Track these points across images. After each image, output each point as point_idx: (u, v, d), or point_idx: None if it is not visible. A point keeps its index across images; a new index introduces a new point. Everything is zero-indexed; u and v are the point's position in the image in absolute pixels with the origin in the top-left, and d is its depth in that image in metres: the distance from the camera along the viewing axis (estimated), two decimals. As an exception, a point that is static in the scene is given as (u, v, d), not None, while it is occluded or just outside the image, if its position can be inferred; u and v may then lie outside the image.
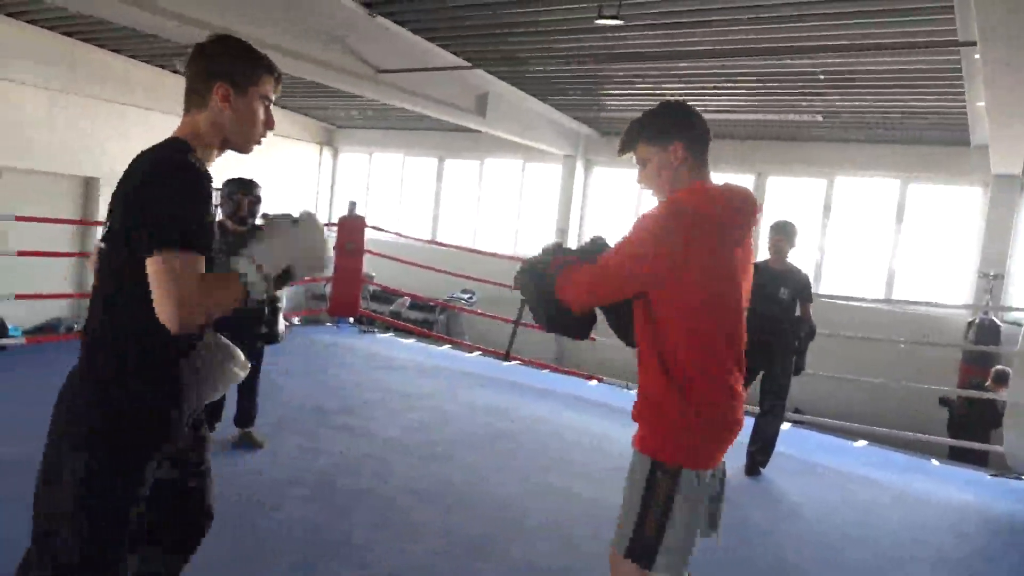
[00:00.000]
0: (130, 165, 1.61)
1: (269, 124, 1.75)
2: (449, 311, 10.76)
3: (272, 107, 1.76)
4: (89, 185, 9.37)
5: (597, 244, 2.11)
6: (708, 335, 1.90)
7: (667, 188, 1.97)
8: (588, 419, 5.72)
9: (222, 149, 1.75)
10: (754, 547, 3.56)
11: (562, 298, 1.99)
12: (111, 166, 9.73)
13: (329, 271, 1.74)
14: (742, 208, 1.93)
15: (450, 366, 7.12)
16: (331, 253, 1.74)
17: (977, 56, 4.89)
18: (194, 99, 1.70)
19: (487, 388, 6.36)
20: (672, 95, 8.08)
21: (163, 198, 1.52)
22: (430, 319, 10.89)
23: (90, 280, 6.92)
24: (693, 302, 1.85)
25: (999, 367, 6.68)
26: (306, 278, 1.76)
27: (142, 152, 1.62)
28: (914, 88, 6.77)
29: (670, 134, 1.95)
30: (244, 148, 1.76)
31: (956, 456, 6.24)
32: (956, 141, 8.06)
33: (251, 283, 1.59)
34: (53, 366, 2.12)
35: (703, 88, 7.66)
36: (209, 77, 1.68)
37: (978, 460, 6.03)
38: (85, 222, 9.10)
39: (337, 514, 3.45)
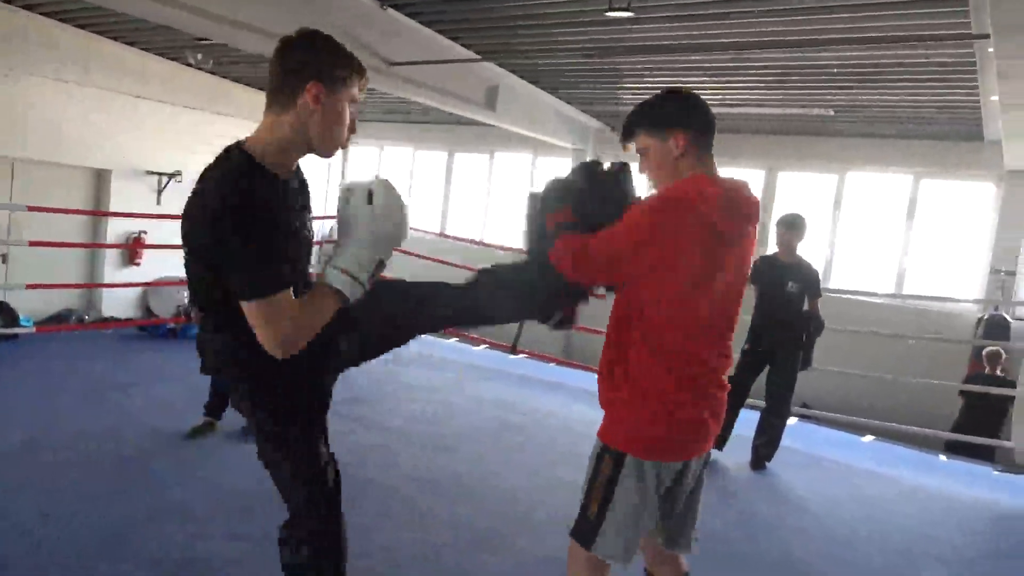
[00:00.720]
0: (199, 183, 1.58)
1: (353, 128, 1.67)
2: (458, 304, 10.76)
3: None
4: (101, 177, 9.42)
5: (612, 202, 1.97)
6: (684, 331, 1.83)
7: (666, 180, 1.91)
8: (596, 413, 5.71)
9: (304, 154, 1.66)
10: (759, 542, 3.56)
11: (553, 261, 1.93)
12: (124, 158, 9.84)
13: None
14: (738, 209, 1.86)
15: (457, 359, 7.14)
16: (409, 222, 1.68)
17: (991, 50, 4.85)
18: (279, 99, 1.58)
19: (494, 381, 6.38)
20: (683, 88, 8.04)
21: (235, 246, 1.50)
22: (439, 312, 10.90)
23: (101, 270, 6.97)
24: (674, 296, 1.81)
25: (989, 348, 6.76)
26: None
27: (208, 169, 1.59)
28: (927, 82, 6.72)
29: (671, 124, 1.88)
30: (328, 153, 1.66)
31: (961, 450, 6.23)
32: (969, 136, 7.99)
33: (347, 295, 1.61)
34: (62, 356, 2.16)
35: (714, 82, 7.63)
36: (299, 76, 1.56)
37: (985, 455, 6.02)
38: (97, 213, 9.17)
39: (345, 503, 3.46)
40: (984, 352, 6.89)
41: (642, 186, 2.05)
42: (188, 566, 2.78)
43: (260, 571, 2.77)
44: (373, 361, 6.88)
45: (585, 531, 1.89)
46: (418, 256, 8.45)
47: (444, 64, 7.54)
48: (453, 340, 8.29)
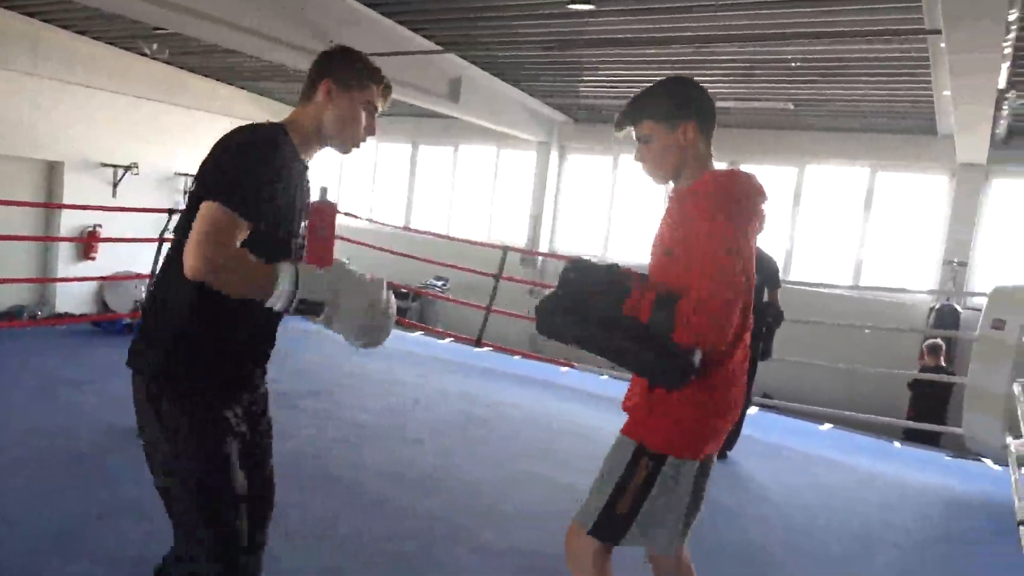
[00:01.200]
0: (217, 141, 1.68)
1: (370, 130, 1.84)
2: (423, 298, 10.73)
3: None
4: (54, 169, 9.17)
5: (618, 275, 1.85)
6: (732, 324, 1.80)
7: (671, 171, 1.87)
8: (561, 405, 5.75)
9: (322, 145, 1.81)
10: (720, 530, 3.61)
11: (682, 341, 1.70)
12: (76, 150, 9.59)
13: (372, 341, 1.70)
14: (764, 201, 1.90)
15: (423, 352, 7.10)
16: (381, 326, 1.68)
17: (943, 45, 4.97)
18: (305, 93, 1.79)
19: (460, 374, 6.37)
20: (644, 82, 8.10)
21: (230, 164, 1.59)
22: (403, 306, 10.85)
23: (54, 264, 6.81)
24: (725, 300, 1.72)
25: (930, 341, 6.98)
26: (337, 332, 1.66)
27: (238, 128, 1.70)
28: (883, 77, 6.86)
29: (682, 114, 1.84)
30: (342, 147, 1.83)
31: (911, 437, 6.42)
32: (924, 130, 8.18)
33: (277, 292, 1.55)
34: (13, 353, 2.09)
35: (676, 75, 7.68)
36: (319, 74, 1.78)
37: (932, 440, 6.21)
38: (50, 205, 8.91)
39: (304, 497, 3.43)
40: (924, 344, 7.10)
41: (614, 183, 2.03)
42: (144, 564, 2.72)
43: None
44: (336, 354, 6.83)
45: (611, 528, 1.86)
46: (382, 250, 8.40)
47: (406, 55, 7.47)
48: (418, 333, 8.25)
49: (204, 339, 1.68)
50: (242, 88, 11.00)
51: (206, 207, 1.52)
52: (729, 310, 1.71)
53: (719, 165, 2.03)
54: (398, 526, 3.26)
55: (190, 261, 1.49)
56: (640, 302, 1.75)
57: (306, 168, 1.79)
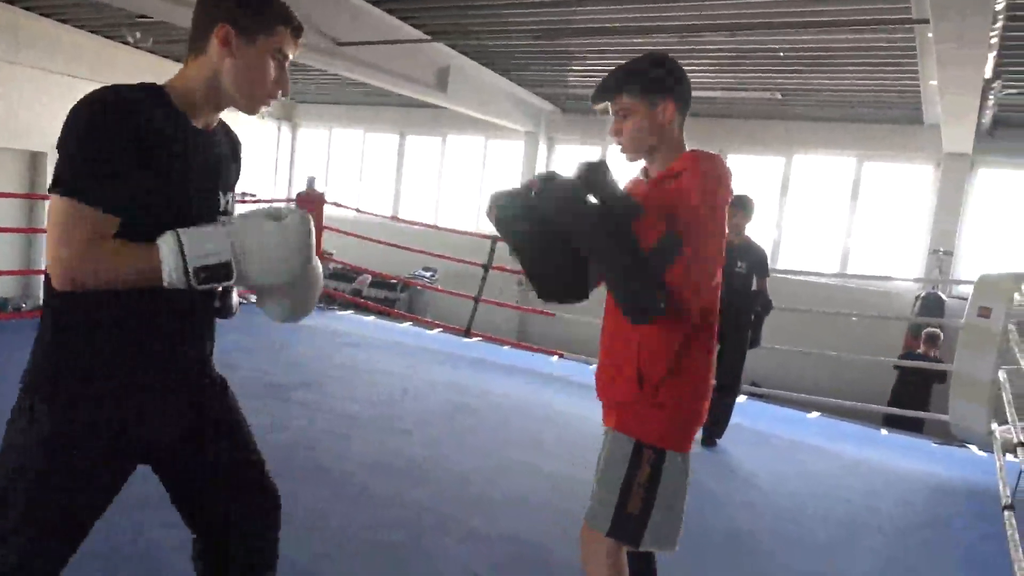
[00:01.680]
0: None
1: (282, 85, 1.49)
2: (411, 288, 10.71)
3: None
4: (36, 160, 9.06)
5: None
6: (713, 318, 1.82)
7: (645, 148, 1.84)
8: (551, 395, 5.76)
9: (221, 107, 1.48)
10: (708, 517, 3.63)
11: (672, 284, 1.66)
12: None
13: (295, 280, 1.41)
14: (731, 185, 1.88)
15: (411, 343, 7.09)
16: (306, 262, 1.42)
17: (930, 34, 4.98)
18: (192, 44, 1.44)
19: (448, 364, 6.36)
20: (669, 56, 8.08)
21: (67, 141, 1.28)
22: (392, 297, 10.83)
23: (39, 256, 6.74)
24: (709, 273, 1.75)
25: (928, 330, 7.02)
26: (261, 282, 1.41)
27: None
28: (870, 66, 6.88)
29: (663, 90, 1.79)
30: (248, 107, 1.49)
31: (892, 423, 6.48)
32: (910, 120, 8.22)
33: (165, 270, 1.29)
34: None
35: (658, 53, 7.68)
36: (210, 18, 1.41)
37: (915, 426, 6.28)
38: (33, 196, 8.82)
39: (294, 488, 3.41)
40: (924, 332, 7.13)
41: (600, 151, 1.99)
42: (133, 555, 2.72)
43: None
44: (327, 346, 6.84)
45: (629, 529, 1.83)
46: (370, 240, 8.37)
47: (394, 44, 7.43)
48: (407, 324, 8.24)
49: (84, 344, 1.40)
50: (228, 77, 10.90)
51: (51, 203, 1.28)
52: (712, 282, 1.73)
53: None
54: (387, 515, 3.26)
55: (50, 270, 1.28)
56: (648, 229, 1.66)
57: (206, 134, 1.46)
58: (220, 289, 4.86)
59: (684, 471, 1.85)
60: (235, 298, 4.99)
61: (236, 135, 1.65)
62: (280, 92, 1.49)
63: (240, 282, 1.37)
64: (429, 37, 7.56)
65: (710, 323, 1.81)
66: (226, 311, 5.15)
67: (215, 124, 1.52)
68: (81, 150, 1.28)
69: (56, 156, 1.31)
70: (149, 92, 1.38)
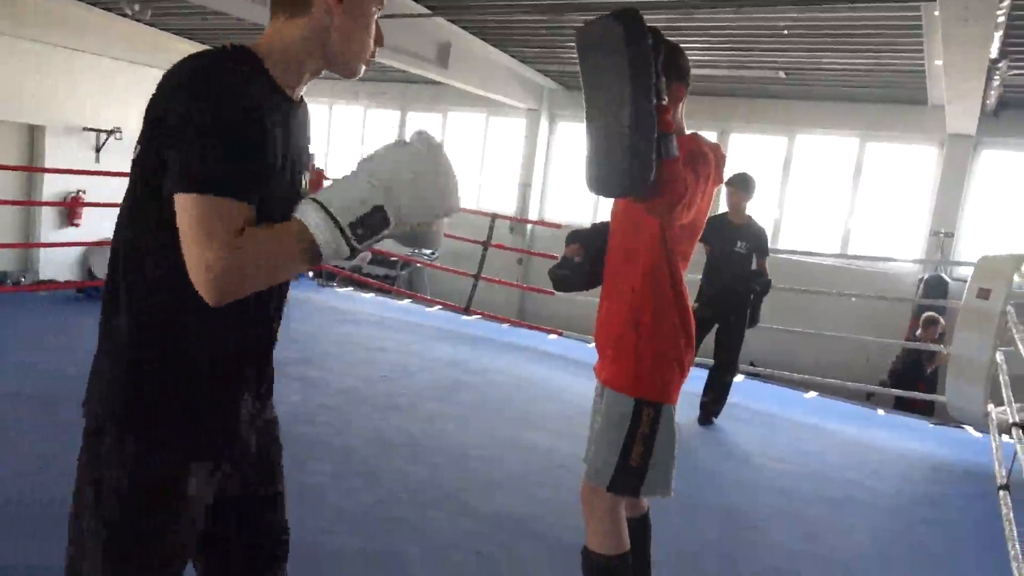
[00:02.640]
0: (165, 74, 1.19)
1: (380, 41, 1.32)
2: (411, 266, 10.70)
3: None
4: (35, 133, 9.02)
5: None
6: (682, 278, 2.05)
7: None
8: (548, 372, 5.78)
9: (318, 73, 1.29)
10: (702, 492, 3.66)
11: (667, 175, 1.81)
12: (58, 114, 9.41)
13: (454, 207, 1.27)
14: (720, 169, 2.09)
15: (410, 320, 7.10)
16: (457, 191, 1.26)
17: (936, 13, 4.93)
18: (288, 3, 1.23)
19: (448, 342, 6.37)
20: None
21: (184, 121, 1.09)
22: (392, 274, 10.82)
23: (37, 230, 6.72)
24: (689, 249, 2.05)
25: (926, 314, 6.97)
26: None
27: (191, 56, 1.19)
28: (875, 45, 6.81)
29: (676, 75, 1.94)
30: (352, 70, 1.30)
31: (900, 406, 6.48)
32: (914, 100, 8.15)
33: (321, 240, 1.11)
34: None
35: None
36: None
37: (921, 409, 6.27)
38: (32, 169, 8.78)
39: (292, 463, 3.43)
40: (923, 316, 7.07)
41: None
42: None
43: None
44: (325, 323, 6.86)
45: (629, 481, 2.00)
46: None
47: (394, 19, 7.35)
48: (407, 301, 8.24)
49: (173, 371, 1.20)
50: (227, 52, 10.80)
51: (184, 205, 1.07)
52: (686, 199, 1.88)
53: (709, 133, 2.22)
54: (386, 491, 3.28)
55: (202, 289, 1.08)
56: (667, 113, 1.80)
57: (296, 105, 1.28)
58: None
59: (673, 419, 2.05)
60: None
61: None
62: (378, 47, 1.33)
63: (398, 226, 1.17)
64: (430, 11, 7.48)
65: (681, 291, 2.04)
66: None
67: (302, 94, 1.33)
68: (202, 136, 1.08)
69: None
70: (250, 63, 1.19)
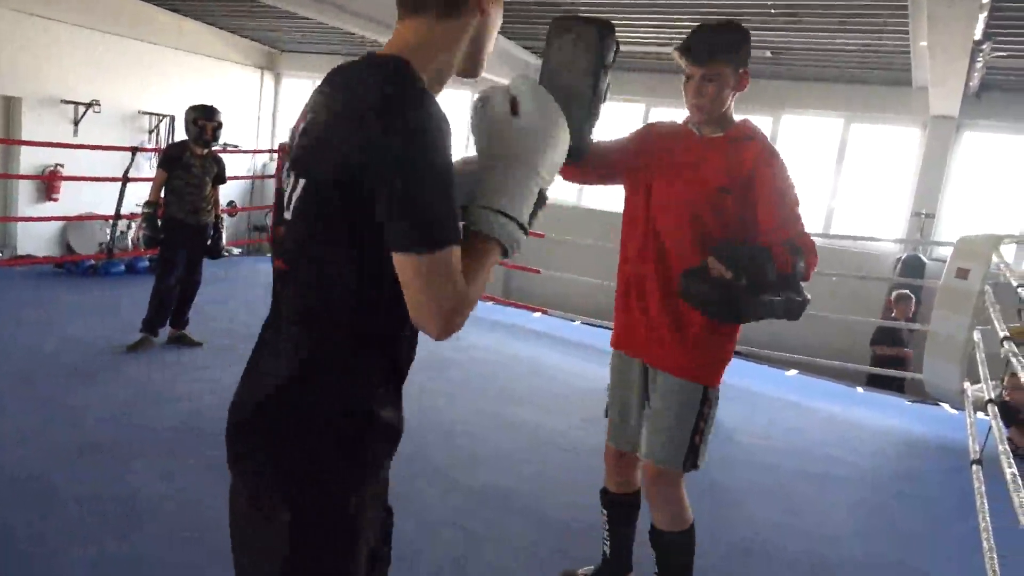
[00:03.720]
0: (338, 91, 1.10)
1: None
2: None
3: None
4: (11, 105, 8.82)
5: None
6: None
7: (720, 111, 2.08)
8: (534, 350, 5.80)
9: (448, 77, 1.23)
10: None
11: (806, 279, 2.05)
12: (35, 85, 9.20)
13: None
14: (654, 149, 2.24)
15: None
16: (566, 134, 1.20)
17: (922, -8, 4.93)
18: (433, 6, 1.15)
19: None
20: (624, 25, 7.96)
21: (421, 173, 1.01)
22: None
23: (14, 204, 6.60)
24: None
25: (897, 292, 7.08)
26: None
27: (355, 73, 1.11)
28: (861, 26, 6.81)
29: (746, 61, 2.06)
30: (478, 72, 1.27)
31: (875, 383, 6.58)
32: (898, 81, 8.18)
33: (507, 245, 1.14)
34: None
35: (657, 20, 7.57)
36: None
37: (896, 386, 6.38)
38: (8, 141, 8.61)
39: (278, 439, 3.45)
40: (893, 294, 7.17)
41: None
42: (118, 503, 2.74)
43: (189, 507, 2.75)
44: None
45: (694, 459, 2.15)
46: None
47: (378, -7, 7.26)
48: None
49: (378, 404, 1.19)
50: (211, 24, 10.63)
51: (412, 265, 1.01)
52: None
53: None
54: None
55: (431, 329, 1.06)
56: (781, 256, 1.94)
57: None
58: (215, 233, 4.95)
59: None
60: (224, 241, 5.15)
61: None
62: None
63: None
64: (415, -14, 7.38)
65: None
66: (217, 252, 5.40)
67: None
68: (435, 189, 1.02)
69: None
70: (420, 79, 1.10)
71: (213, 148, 4.79)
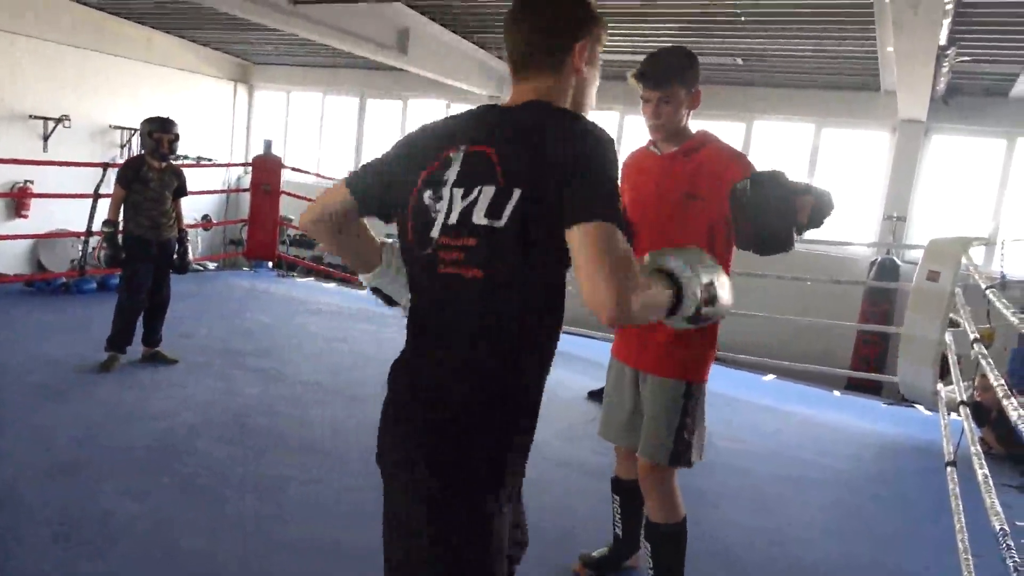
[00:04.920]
0: (532, 130, 1.27)
1: None
2: (373, 255, 10.60)
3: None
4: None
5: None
6: None
7: (677, 127, 2.28)
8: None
9: None
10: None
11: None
12: (3, 101, 9.01)
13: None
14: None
15: (373, 308, 7.04)
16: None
17: (887, 0, 5.02)
18: (540, 60, 1.34)
19: (410, 330, 6.34)
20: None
21: (609, 173, 1.21)
22: (354, 263, 10.72)
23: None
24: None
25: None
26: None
27: (547, 117, 1.29)
28: (830, 32, 6.91)
29: (697, 81, 2.29)
30: (587, 112, 1.42)
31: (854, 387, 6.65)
32: (867, 86, 8.31)
33: (686, 298, 1.28)
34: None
35: (627, 27, 7.62)
36: (569, 36, 1.34)
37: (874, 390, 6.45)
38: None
39: (253, 455, 3.41)
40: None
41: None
42: (89, 524, 2.68)
43: (163, 527, 2.70)
44: (282, 312, 6.75)
45: (684, 455, 2.28)
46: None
47: (352, 3, 7.25)
48: (367, 290, 8.17)
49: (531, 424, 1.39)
50: (180, 36, 10.55)
51: (599, 231, 1.14)
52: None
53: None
54: (351, 481, 3.26)
55: (608, 305, 1.13)
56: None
57: None
58: (180, 247, 4.90)
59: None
60: (190, 256, 5.10)
61: None
62: None
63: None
64: (388, -4, 7.39)
65: None
66: (184, 267, 5.31)
67: None
68: (614, 180, 1.22)
69: None
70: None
71: (185, 161, 4.75)
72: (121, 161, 9.42)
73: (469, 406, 1.29)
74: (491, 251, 1.23)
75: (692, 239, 2.12)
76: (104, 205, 6.96)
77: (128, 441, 3.43)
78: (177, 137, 4.59)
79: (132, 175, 4.49)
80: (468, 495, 1.29)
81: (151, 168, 4.52)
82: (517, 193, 1.21)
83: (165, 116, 4.61)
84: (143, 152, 4.60)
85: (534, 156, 1.22)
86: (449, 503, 1.29)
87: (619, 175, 1.25)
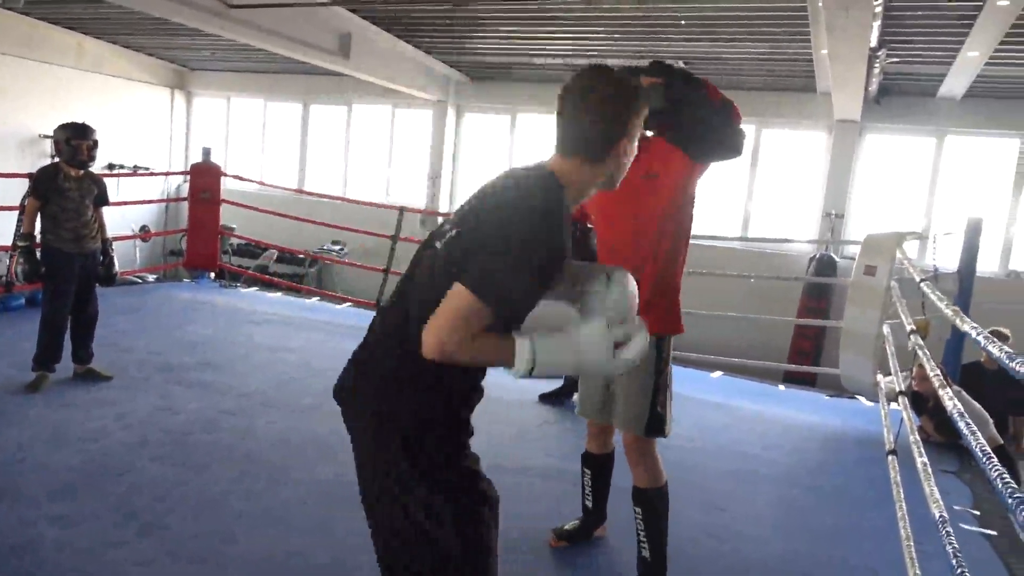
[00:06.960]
0: (498, 191, 1.54)
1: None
2: (320, 263, 10.45)
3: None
4: None
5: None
6: None
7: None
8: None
9: None
10: (614, 475, 3.70)
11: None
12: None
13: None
14: None
15: (319, 318, 6.92)
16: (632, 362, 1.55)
17: (820, 3, 5.14)
18: (585, 146, 1.54)
19: (357, 338, 6.20)
20: (540, 39, 8.04)
21: (504, 264, 1.42)
22: (300, 272, 10.54)
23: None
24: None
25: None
26: None
27: (515, 180, 1.55)
28: (767, 35, 7.06)
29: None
30: (615, 188, 1.66)
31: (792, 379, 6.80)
32: (804, 88, 8.52)
33: (520, 370, 1.47)
34: None
35: (569, 31, 7.66)
36: (615, 134, 1.54)
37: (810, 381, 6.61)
38: None
39: (193, 472, 3.30)
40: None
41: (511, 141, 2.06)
42: (14, 554, 2.55)
43: (91, 554, 2.58)
44: (224, 324, 6.57)
45: (658, 426, 2.47)
46: (274, 214, 8.07)
47: (290, 7, 7.13)
48: (315, 299, 8.04)
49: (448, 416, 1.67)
50: (112, 43, 10.22)
51: (458, 293, 1.41)
52: None
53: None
54: (291, 493, 3.18)
55: (426, 341, 1.43)
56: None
57: (568, 238, 1.54)
58: (105, 259, 4.71)
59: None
60: (117, 267, 4.90)
61: None
62: None
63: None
64: (328, 0, 7.28)
65: None
66: (110, 279, 5.10)
67: None
68: (515, 269, 1.42)
69: None
70: (563, 199, 1.51)
71: (121, 171, 4.55)
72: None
73: None
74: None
75: (655, 213, 2.53)
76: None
77: (58, 464, 3.28)
78: (96, 143, 4.35)
79: (47, 185, 4.24)
80: None
81: (68, 177, 4.28)
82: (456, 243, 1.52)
83: (81, 122, 4.37)
84: (57, 161, 4.36)
85: (476, 221, 1.50)
86: None
87: (545, 253, 1.42)
